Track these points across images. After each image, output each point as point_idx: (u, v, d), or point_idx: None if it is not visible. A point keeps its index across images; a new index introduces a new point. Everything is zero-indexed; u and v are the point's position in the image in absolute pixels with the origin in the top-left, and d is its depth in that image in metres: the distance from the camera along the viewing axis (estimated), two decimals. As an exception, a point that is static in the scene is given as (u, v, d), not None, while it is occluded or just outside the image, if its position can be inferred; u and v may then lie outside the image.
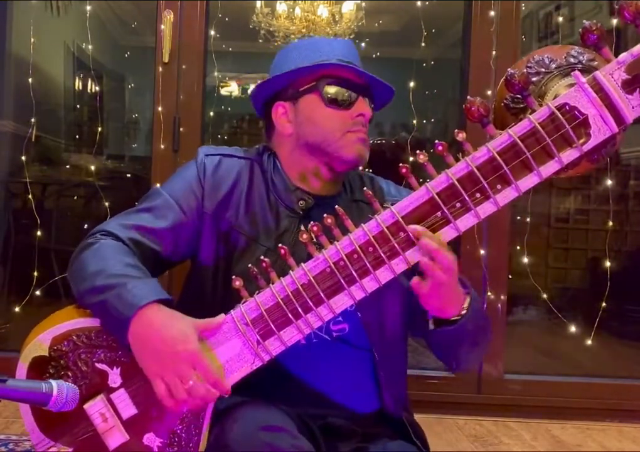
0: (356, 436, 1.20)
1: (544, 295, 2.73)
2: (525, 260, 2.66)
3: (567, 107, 0.95)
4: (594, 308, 2.71)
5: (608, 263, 2.68)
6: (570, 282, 3.95)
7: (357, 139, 1.26)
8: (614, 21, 2.82)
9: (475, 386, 2.58)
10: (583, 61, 1.01)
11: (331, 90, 1.27)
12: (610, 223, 2.74)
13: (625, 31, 3.21)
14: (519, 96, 1.00)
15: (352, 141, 1.26)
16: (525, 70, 1.02)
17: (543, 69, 1.03)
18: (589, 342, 2.71)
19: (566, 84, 0.99)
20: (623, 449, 2.27)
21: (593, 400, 2.57)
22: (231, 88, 5.95)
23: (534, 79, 1.01)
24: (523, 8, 2.71)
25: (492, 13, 2.56)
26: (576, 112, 0.95)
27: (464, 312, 1.12)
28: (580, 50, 1.03)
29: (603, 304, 2.67)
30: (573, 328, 2.77)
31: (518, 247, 2.67)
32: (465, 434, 2.35)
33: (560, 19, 3.76)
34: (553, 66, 1.02)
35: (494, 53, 2.55)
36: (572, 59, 1.02)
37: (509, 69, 0.99)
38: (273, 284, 1.05)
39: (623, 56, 0.94)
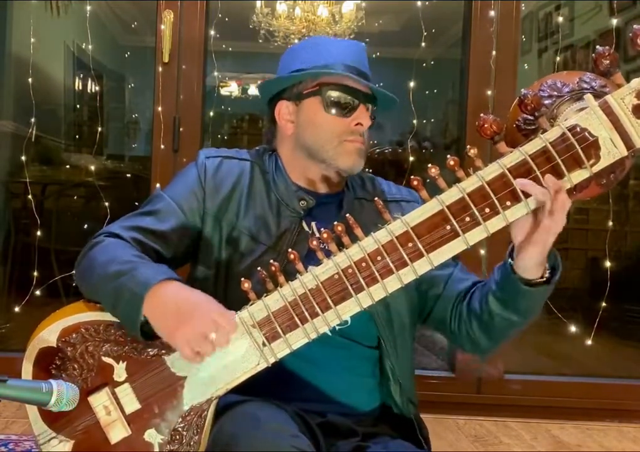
0: (356, 435, 1.20)
1: (544, 295, 2.73)
2: (525, 260, 2.66)
3: (578, 128, 0.97)
4: (594, 308, 2.71)
5: (608, 263, 2.68)
6: (570, 282, 3.95)
7: (353, 149, 1.27)
8: (614, 21, 2.82)
9: (475, 386, 2.58)
10: (595, 87, 1.02)
11: (332, 96, 1.27)
12: (610, 223, 2.74)
13: (625, 31, 3.21)
14: (531, 117, 1.01)
15: (348, 151, 1.27)
16: (538, 93, 1.02)
17: (556, 93, 1.04)
18: (589, 342, 2.71)
19: (577, 108, 1.01)
20: (623, 449, 2.28)
21: (593, 400, 2.58)
22: (231, 88, 5.96)
23: (546, 102, 1.02)
24: (523, 8, 2.72)
25: (492, 13, 2.56)
26: (587, 134, 0.97)
27: (548, 272, 1.11)
28: (592, 76, 1.04)
29: (603, 304, 2.67)
30: (573, 328, 2.77)
31: (518, 247, 2.66)
32: (465, 434, 2.35)
33: (560, 19, 3.76)
34: (566, 90, 1.03)
35: (494, 53, 2.56)
36: (584, 85, 1.03)
37: (522, 89, 1.00)
38: (281, 287, 1.06)
39: (635, 81, 0.96)
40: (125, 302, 1.07)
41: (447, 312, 1.30)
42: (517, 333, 1.25)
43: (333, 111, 1.27)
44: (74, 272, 1.22)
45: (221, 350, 1.05)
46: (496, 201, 0.99)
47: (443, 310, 1.30)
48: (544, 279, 1.12)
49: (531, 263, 1.09)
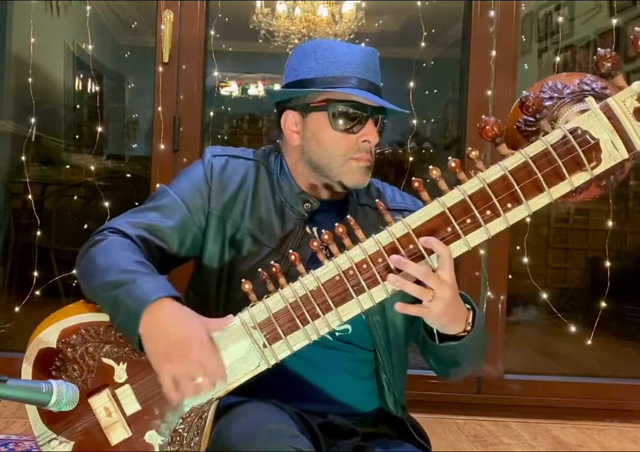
0: (356, 435, 1.20)
1: (544, 296, 2.73)
2: (525, 260, 2.66)
3: (579, 130, 0.97)
4: (594, 308, 2.71)
5: (608, 263, 2.68)
6: (570, 282, 3.95)
7: (359, 168, 1.25)
8: (614, 21, 2.82)
9: (475, 386, 2.58)
10: (596, 89, 1.02)
11: (339, 113, 1.23)
12: (610, 223, 2.74)
13: (625, 31, 3.21)
14: (532, 119, 1.01)
15: (353, 169, 1.25)
16: (539, 94, 1.02)
17: (556, 95, 1.04)
18: (589, 342, 2.72)
19: (578, 110, 1.01)
20: (623, 449, 2.28)
21: (593, 400, 2.58)
22: (231, 88, 5.96)
23: (547, 103, 1.02)
24: (523, 8, 2.72)
25: (492, 13, 2.56)
26: (588, 136, 0.97)
27: (468, 328, 1.13)
28: (592, 78, 1.04)
29: (603, 304, 2.67)
30: (573, 328, 2.77)
31: (518, 247, 2.67)
32: (465, 434, 2.35)
33: (560, 19, 3.76)
34: (567, 92, 1.03)
35: (493, 53, 2.56)
36: (585, 87, 1.03)
37: (523, 91, 1.00)
38: (282, 288, 1.06)
39: (636, 84, 0.96)
40: (122, 316, 1.06)
41: (420, 333, 1.28)
42: (467, 370, 1.27)
43: (340, 128, 1.23)
44: (75, 270, 1.21)
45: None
46: (497, 203, 0.99)
47: (419, 329, 1.29)
48: (465, 332, 1.13)
49: (435, 327, 1.12)
